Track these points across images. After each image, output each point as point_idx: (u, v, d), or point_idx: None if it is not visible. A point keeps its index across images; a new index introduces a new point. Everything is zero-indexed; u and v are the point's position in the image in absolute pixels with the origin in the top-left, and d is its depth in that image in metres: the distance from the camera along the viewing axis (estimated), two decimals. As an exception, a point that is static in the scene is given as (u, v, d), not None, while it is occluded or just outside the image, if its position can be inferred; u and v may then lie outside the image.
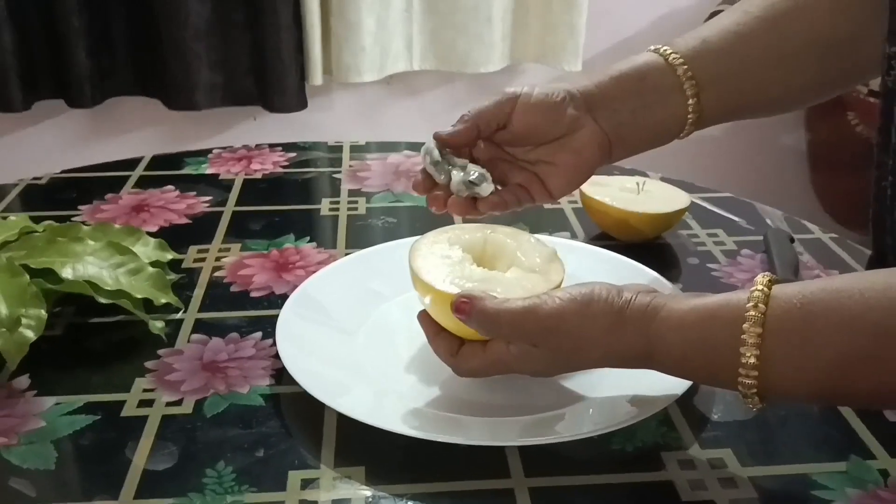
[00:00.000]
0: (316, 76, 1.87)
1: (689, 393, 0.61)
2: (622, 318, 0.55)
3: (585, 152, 0.68)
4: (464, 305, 0.58)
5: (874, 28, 0.67)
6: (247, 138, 1.74)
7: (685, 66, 0.68)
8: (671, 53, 0.69)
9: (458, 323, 0.59)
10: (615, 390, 0.62)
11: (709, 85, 0.69)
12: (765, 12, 0.70)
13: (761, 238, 0.86)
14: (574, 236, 0.87)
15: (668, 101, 0.68)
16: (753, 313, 0.50)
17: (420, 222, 0.91)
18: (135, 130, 1.95)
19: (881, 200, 0.70)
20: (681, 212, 0.85)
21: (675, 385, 0.60)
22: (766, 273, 0.53)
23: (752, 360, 0.50)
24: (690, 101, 0.68)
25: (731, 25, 0.71)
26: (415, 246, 0.67)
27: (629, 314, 0.55)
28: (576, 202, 0.95)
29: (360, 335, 0.69)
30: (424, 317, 0.64)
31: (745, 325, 0.51)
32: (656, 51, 0.70)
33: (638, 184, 0.89)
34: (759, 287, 0.52)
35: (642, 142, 0.70)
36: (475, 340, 0.60)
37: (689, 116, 0.69)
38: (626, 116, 0.68)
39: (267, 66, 1.83)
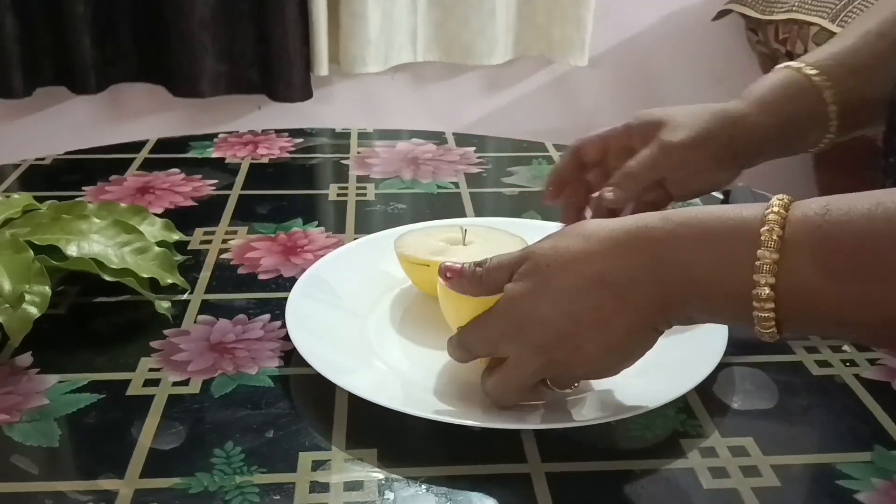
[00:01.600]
0: (322, 66, 1.85)
1: (709, 381, 0.60)
2: (618, 238, 0.51)
3: (715, 183, 0.71)
4: (447, 270, 0.57)
5: None
6: (251, 127, 1.73)
7: (832, 91, 0.68)
8: (815, 74, 0.68)
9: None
10: (633, 377, 0.61)
11: (850, 107, 0.69)
12: (887, 30, 0.70)
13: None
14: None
15: (813, 128, 0.70)
16: (767, 237, 0.46)
17: (429, 209, 0.89)
18: (138, 118, 1.94)
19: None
20: None
21: (695, 372, 0.59)
22: (783, 196, 0.48)
23: (767, 291, 0.46)
24: (833, 123, 0.69)
25: (865, 45, 0.70)
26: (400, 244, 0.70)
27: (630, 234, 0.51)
28: (588, 191, 0.93)
29: (371, 318, 0.68)
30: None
31: (759, 252, 0.46)
32: (797, 70, 0.69)
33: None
34: (776, 208, 0.47)
35: (776, 157, 0.72)
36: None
37: (827, 137, 0.70)
38: (771, 150, 0.70)
39: (272, 55, 1.82)
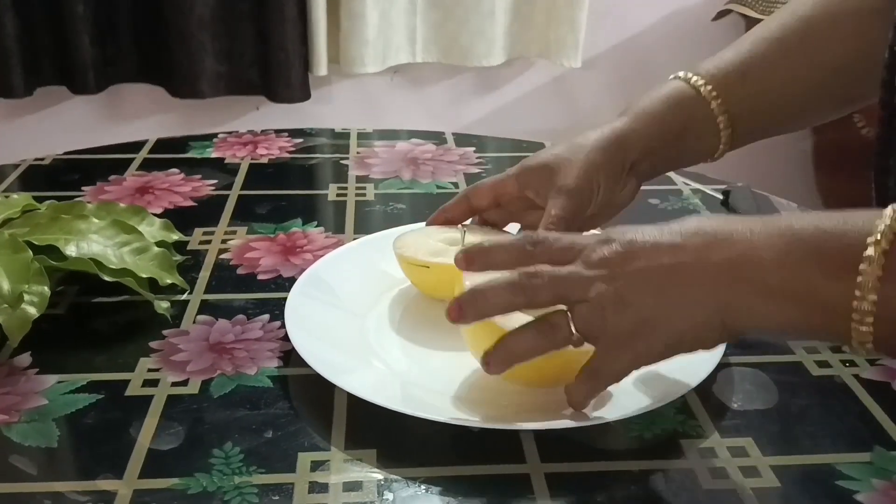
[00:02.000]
0: (320, 66, 1.85)
1: (708, 381, 0.59)
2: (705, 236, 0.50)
3: (619, 204, 0.70)
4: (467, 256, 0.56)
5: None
6: (250, 128, 1.72)
7: (719, 101, 0.68)
8: (703, 84, 0.69)
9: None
10: (633, 376, 0.60)
11: (740, 117, 0.69)
12: (790, 36, 0.70)
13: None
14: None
15: (703, 138, 0.70)
16: (873, 252, 0.45)
17: (429, 209, 0.89)
18: (138, 118, 1.94)
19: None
20: None
21: (694, 373, 0.58)
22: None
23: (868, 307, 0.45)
24: (724, 133, 0.69)
25: (758, 52, 0.70)
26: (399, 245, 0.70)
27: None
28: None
29: (370, 318, 0.67)
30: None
31: (862, 267, 0.45)
32: (686, 80, 0.69)
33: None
34: (889, 221, 0.45)
35: (671, 169, 0.73)
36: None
37: (720, 147, 0.71)
38: (663, 163, 0.70)
39: (271, 56, 1.82)
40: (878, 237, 0.45)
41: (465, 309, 0.54)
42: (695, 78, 0.69)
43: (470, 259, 0.56)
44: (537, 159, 0.68)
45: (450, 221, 0.72)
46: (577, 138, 0.68)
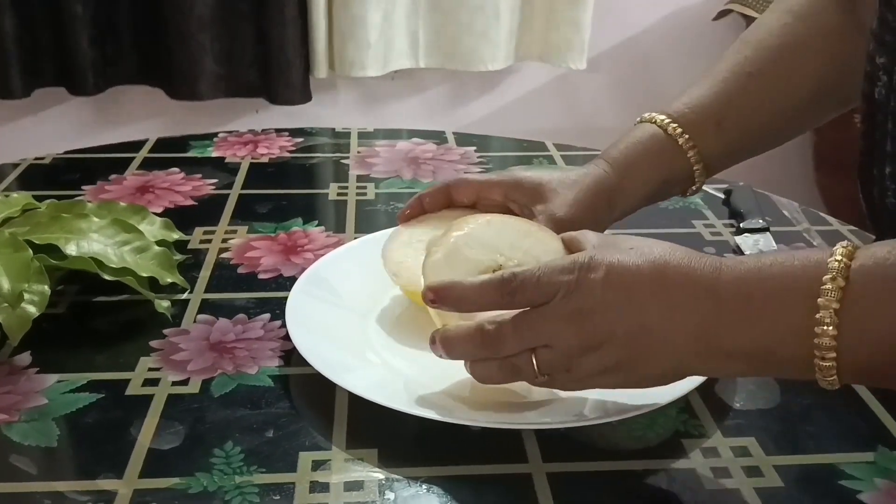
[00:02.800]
0: (321, 69, 1.85)
1: (710, 381, 0.59)
2: (667, 276, 0.50)
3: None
4: (429, 294, 0.54)
5: (863, 55, 0.66)
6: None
7: (695, 150, 0.69)
8: (679, 133, 0.69)
9: None
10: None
11: (715, 160, 0.71)
12: (763, 68, 0.71)
13: (768, 224, 0.84)
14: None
15: (679, 184, 0.72)
16: (830, 286, 0.46)
17: (430, 209, 0.89)
18: (137, 120, 1.93)
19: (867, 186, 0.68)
20: None
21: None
22: (847, 243, 0.47)
23: (828, 340, 0.46)
24: (698, 179, 0.71)
25: (731, 92, 0.71)
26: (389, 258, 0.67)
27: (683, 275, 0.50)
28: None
29: (371, 317, 0.67)
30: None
31: (820, 301, 0.46)
32: (663, 128, 0.70)
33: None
34: (839, 257, 0.46)
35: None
36: None
37: (692, 188, 0.72)
38: (643, 205, 0.71)
39: (271, 58, 1.82)
40: (834, 274, 0.46)
41: (437, 348, 0.55)
42: (671, 125, 0.69)
43: (440, 297, 0.54)
44: (530, 178, 0.68)
45: (425, 212, 0.70)
46: (568, 174, 0.68)
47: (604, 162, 0.69)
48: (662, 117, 0.70)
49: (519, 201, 0.68)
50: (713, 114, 0.70)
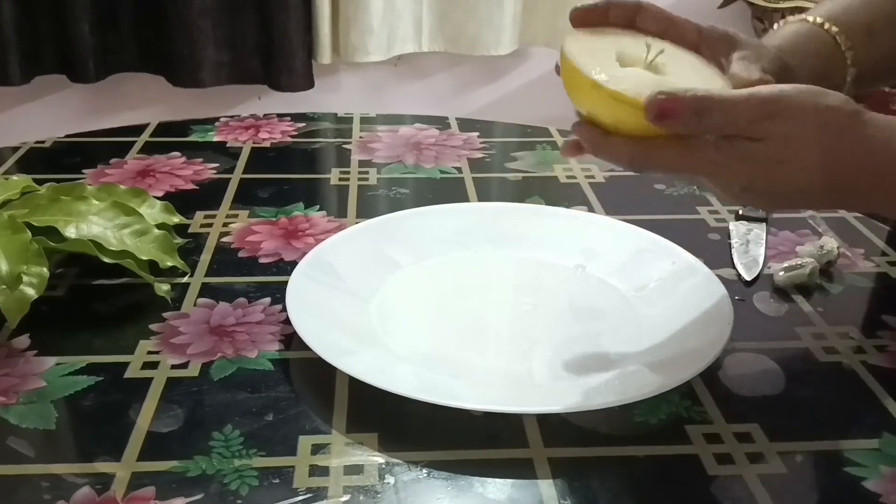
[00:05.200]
0: (324, 55, 1.84)
1: (714, 366, 0.59)
2: (860, 118, 0.48)
3: None
4: (667, 104, 0.49)
5: None
6: (252, 115, 1.72)
7: (844, 38, 0.66)
8: (837, 32, 0.66)
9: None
10: (638, 361, 0.60)
11: (863, 69, 0.67)
12: None
13: (767, 216, 0.83)
14: (591, 209, 0.85)
15: (832, 77, 0.66)
16: None
17: (432, 194, 0.89)
18: (138, 107, 1.93)
19: None
20: None
21: (700, 357, 0.58)
22: None
23: None
24: (850, 72, 0.66)
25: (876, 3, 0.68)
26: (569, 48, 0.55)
27: (869, 118, 0.48)
28: (592, 176, 0.93)
29: (373, 301, 0.67)
30: (584, 127, 0.53)
31: None
32: (826, 30, 0.66)
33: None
34: None
35: None
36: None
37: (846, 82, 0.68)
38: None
39: (274, 44, 1.81)
40: None
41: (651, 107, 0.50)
42: (826, 23, 0.66)
43: (665, 112, 0.49)
44: (725, 29, 0.63)
45: (605, 21, 0.61)
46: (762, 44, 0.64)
47: (773, 49, 0.65)
48: (814, 17, 0.66)
49: (712, 49, 0.62)
50: (864, 19, 0.67)
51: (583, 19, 0.60)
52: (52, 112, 1.90)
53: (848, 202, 0.51)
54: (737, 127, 0.50)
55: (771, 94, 0.49)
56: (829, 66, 0.66)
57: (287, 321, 0.63)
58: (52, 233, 0.66)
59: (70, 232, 0.67)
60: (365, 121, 1.09)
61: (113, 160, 0.94)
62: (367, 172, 0.93)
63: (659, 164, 0.52)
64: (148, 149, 0.98)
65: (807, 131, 0.49)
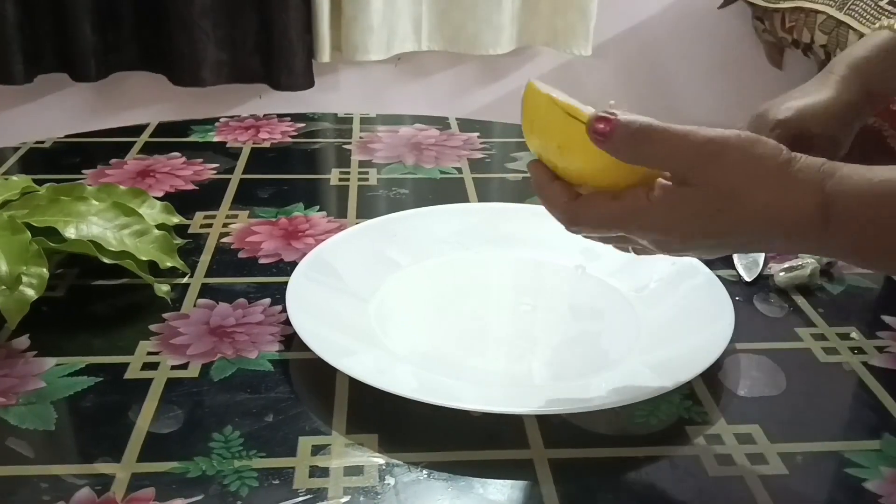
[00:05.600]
0: (324, 54, 1.84)
1: (715, 367, 0.59)
2: (790, 169, 0.47)
3: None
4: (603, 122, 0.48)
5: None
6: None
7: None
8: None
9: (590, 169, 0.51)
10: (638, 362, 0.60)
11: None
12: None
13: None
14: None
15: None
16: None
17: (432, 195, 0.88)
18: (139, 106, 1.92)
19: None
20: None
21: (700, 358, 0.58)
22: None
23: None
24: None
25: None
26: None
27: (799, 166, 0.48)
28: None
29: (373, 302, 0.67)
30: (536, 165, 0.54)
31: None
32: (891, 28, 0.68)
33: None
34: None
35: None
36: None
37: None
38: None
39: (274, 43, 1.81)
40: None
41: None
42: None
43: (604, 132, 0.49)
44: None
45: None
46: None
47: (845, 69, 0.67)
48: None
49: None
50: None
51: None
52: (53, 111, 1.90)
53: (797, 246, 0.51)
54: (673, 162, 0.48)
55: (709, 136, 0.48)
56: None
57: (287, 322, 0.62)
58: (51, 233, 0.66)
59: (70, 232, 0.66)
60: (365, 121, 1.09)
61: (113, 160, 0.94)
62: (367, 173, 0.93)
63: (590, 219, 0.51)
64: (148, 149, 0.98)
65: (741, 179, 0.48)
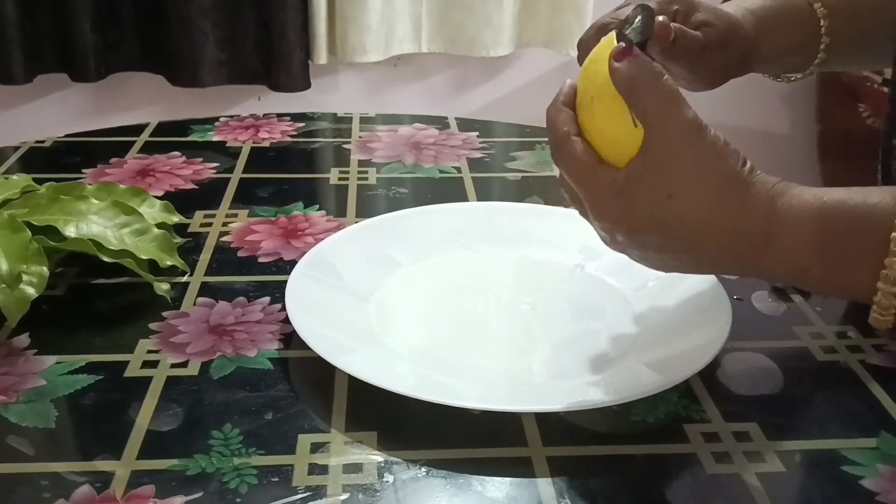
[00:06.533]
0: (321, 55, 1.84)
1: (712, 365, 0.59)
2: (745, 181, 0.49)
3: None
4: (630, 52, 0.50)
5: None
6: (252, 115, 1.72)
7: (824, 10, 0.68)
8: (819, 6, 0.69)
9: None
10: (636, 360, 0.60)
11: (838, 47, 0.69)
12: None
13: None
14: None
15: (805, 58, 0.70)
16: None
17: (431, 194, 0.89)
18: (138, 106, 1.93)
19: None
20: None
21: (698, 356, 0.58)
22: None
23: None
24: (823, 41, 0.69)
25: None
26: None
27: (755, 179, 0.49)
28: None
29: (373, 300, 0.67)
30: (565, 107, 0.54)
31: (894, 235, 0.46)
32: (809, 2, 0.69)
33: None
34: None
35: (775, 67, 0.71)
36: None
37: (809, 69, 0.71)
38: (758, 67, 0.70)
39: (272, 43, 1.81)
40: None
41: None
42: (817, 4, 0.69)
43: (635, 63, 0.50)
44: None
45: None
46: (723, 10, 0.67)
47: (745, 9, 0.68)
48: None
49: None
50: (848, 4, 0.69)
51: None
52: (53, 111, 1.90)
53: (731, 259, 0.52)
54: (654, 105, 0.50)
55: (698, 120, 0.50)
56: (802, 31, 0.68)
57: (286, 320, 0.63)
58: (51, 232, 0.66)
59: (70, 231, 0.67)
60: (364, 120, 1.09)
61: (113, 160, 0.95)
62: (366, 172, 0.93)
63: (565, 160, 0.52)
64: (148, 148, 0.99)
65: (698, 167, 0.49)
